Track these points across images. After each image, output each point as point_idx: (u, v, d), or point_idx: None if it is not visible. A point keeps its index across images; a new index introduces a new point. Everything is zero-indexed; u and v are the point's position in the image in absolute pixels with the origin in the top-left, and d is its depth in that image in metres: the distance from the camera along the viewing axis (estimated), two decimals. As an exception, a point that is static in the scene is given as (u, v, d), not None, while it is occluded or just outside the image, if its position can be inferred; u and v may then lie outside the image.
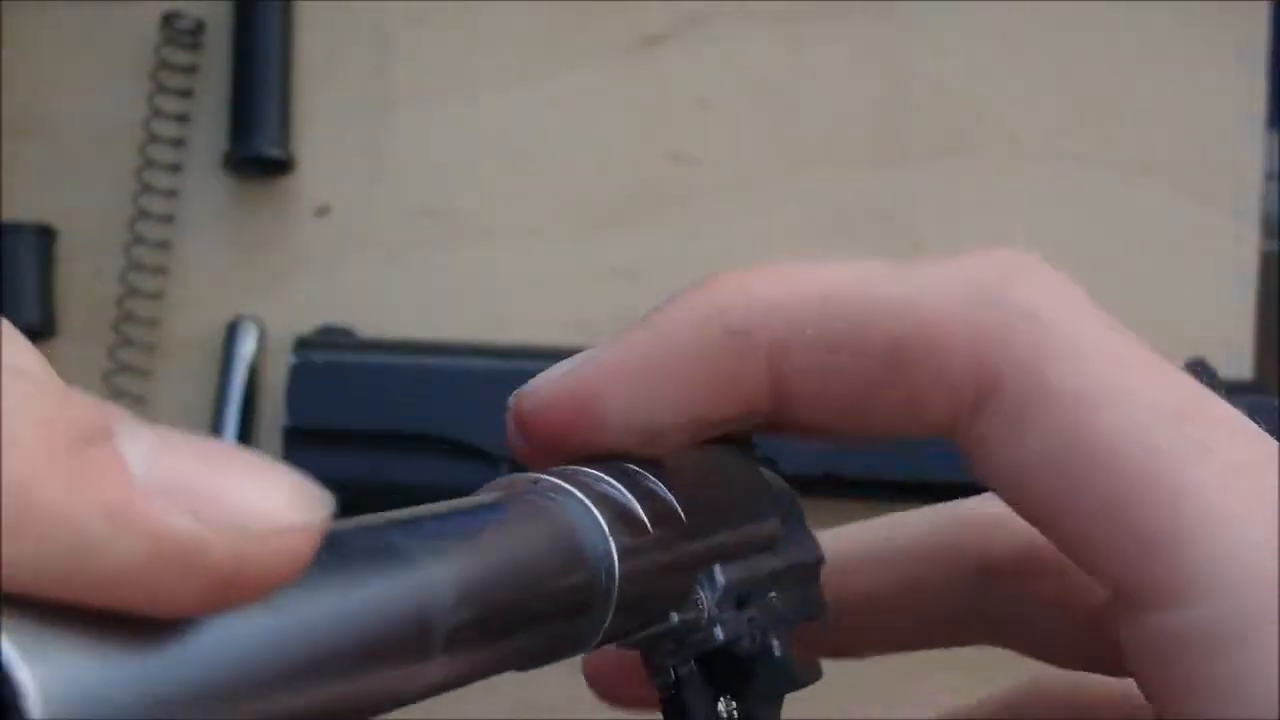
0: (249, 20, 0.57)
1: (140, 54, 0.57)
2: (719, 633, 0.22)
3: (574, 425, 0.22)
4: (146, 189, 0.56)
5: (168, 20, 0.57)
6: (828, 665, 0.25)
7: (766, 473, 0.25)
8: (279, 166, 0.56)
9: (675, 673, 0.22)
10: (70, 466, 0.14)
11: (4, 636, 0.13)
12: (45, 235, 0.56)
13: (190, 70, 0.57)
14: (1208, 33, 0.56)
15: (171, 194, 0.57)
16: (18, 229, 0.56)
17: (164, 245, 0.57)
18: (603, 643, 0.20)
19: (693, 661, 0.22)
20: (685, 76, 0.57)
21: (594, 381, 0.22)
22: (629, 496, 0.21)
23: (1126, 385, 0.20)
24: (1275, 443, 0.21)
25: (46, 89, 0.58)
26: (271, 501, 0.15)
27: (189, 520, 0.14)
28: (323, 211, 0.57)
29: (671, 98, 0.57)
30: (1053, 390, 0.20)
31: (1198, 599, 0.19)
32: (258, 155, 0.56)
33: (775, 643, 0.23)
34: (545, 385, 0.23)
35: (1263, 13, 0.56)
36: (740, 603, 0.23)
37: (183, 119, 0.57)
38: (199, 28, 0.58)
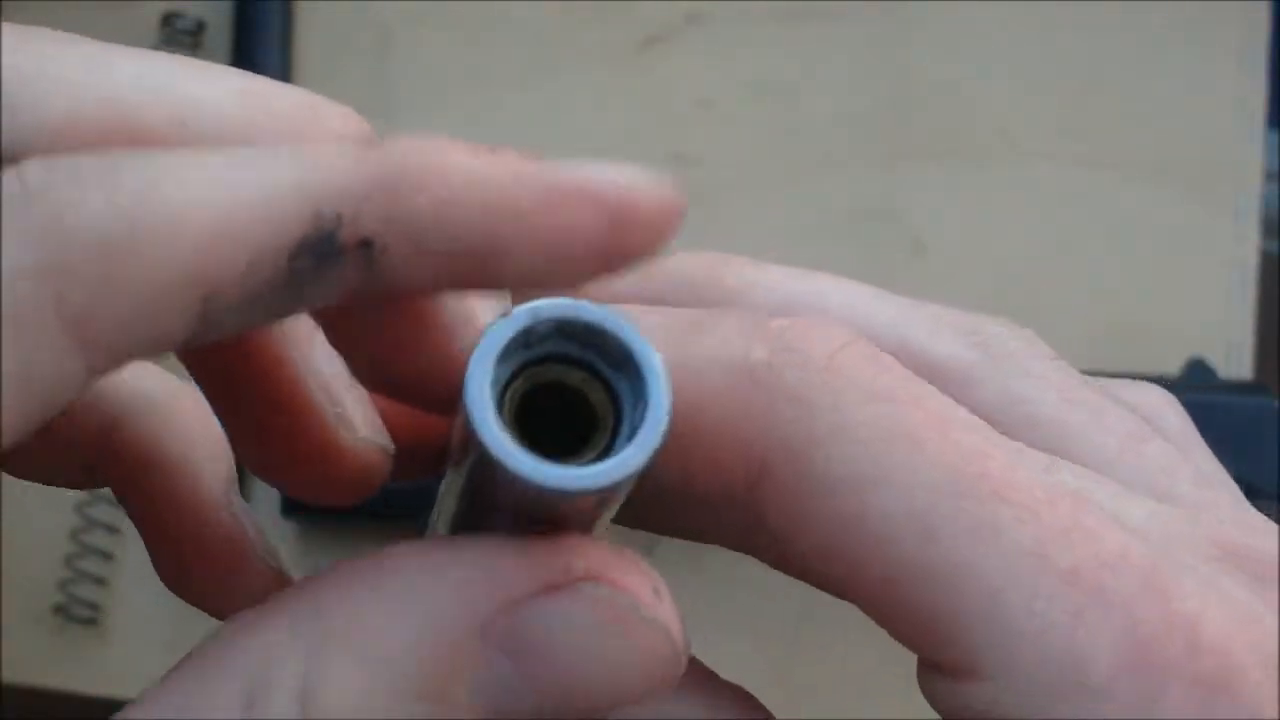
0: (249, 20, 0.57)
1: (140, 54, 0.57)
2: None
3: None
4: (146, 189, 0.56)
5: (168, 20, 0.57)
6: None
7: None
8: (279, 166, 0.56)
9: None
10: (483, 153, 0.18)
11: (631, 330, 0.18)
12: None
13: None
14: (1208, 33, 0.56)
15: (171, 194, 0.57)
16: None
17: (164, 245, 0.56)
18: None
19: None
20: (685, 76, 0.57)
21: None
22: None
23: (899, 465, 0.19)
24: (1091, 510, 0.20)
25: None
26: (640, 174, 0.18)
27: (579, 174, 0.18)
28: (323, 211, 0.57)
29: (671, 98, 0.57)
30: (821, 477, 0.19)
31: (981, 678, 0.19)
32: (258, 155, 0.56)
33: None
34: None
35: (1263, 13, 0.56)
36: None
37: (183, 119, 0.57)
38: (199, 28, 0.58)
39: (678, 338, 0.20)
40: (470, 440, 0.18)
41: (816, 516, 0.20)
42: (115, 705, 0.56)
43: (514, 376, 0.18)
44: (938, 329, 0.25)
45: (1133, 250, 0.55)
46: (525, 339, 0.18)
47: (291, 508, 0.51)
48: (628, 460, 0.17)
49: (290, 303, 0.18)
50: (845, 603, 0.21)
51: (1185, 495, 0.22)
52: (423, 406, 0.22)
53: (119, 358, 0.17)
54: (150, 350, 0.17)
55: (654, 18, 0.57)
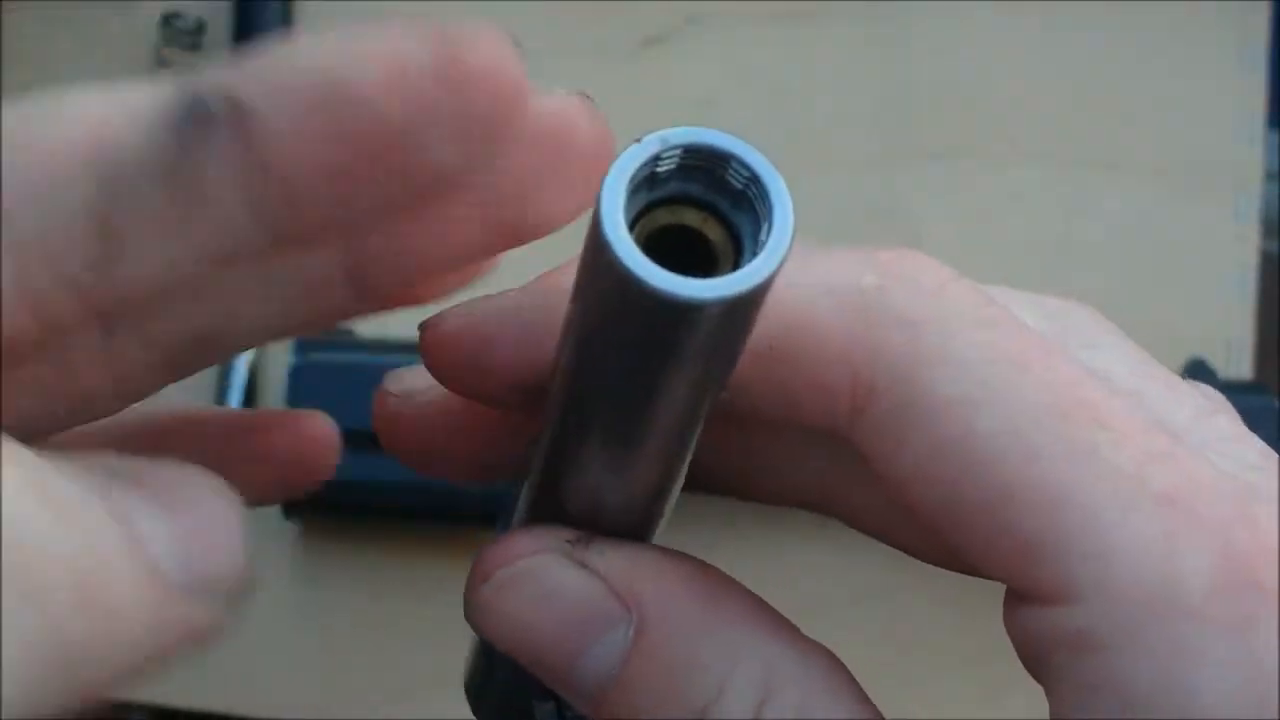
0: (249, 20, 0.57)
1: (140, 54, 0.57)
2: None
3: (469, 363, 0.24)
4: (146, 189, 0.56)
5: (168, 20, 0.57)
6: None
7: None
8: (279, 166, 0.56)
9: None
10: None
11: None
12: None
13: (190, 70, 0.57)
14: (1208, 33, 0.56)
15: (171, 194, 0.57)
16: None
17: (164, 245, 0.56)
18: None
19: None
20: (685, 76, 0.57)
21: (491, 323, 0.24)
22: None
23: (1004, 388, 0.20)
24: (1179, 443, 0.20)
25: (46, 89, 0.58)
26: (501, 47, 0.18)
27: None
28: (323, 211, 0.57)
29: (671, 98, 0.57)
30: (927, 398, 0.20)
31: (1074, 600, 0.19)
32: (258, 155, 0.56)
33: None
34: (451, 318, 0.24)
35: (1263, 13, 0.56)
36: None
37: (183, 119, 0.57)
38: (199, 28, 0.57)
39: (789, 264, 0.20)
40: (598, 268, 0.18)
41: (919, 438, 0.20)
42: (116, 706, 0.55)
43: (634, 222, 0.18)
44: (1008, 302, 0.26)
45: (1133, 250, 0.55)
46: (650, 175, 0.18)
47: (292, 510, 0.51)
48: (759, 268, 0.18)
49: (188, 190, 0.18)
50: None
51: (1255, 465, 0.22)
52: (504, 403, 0.23)
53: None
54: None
55: (654, 18, 0.57)
